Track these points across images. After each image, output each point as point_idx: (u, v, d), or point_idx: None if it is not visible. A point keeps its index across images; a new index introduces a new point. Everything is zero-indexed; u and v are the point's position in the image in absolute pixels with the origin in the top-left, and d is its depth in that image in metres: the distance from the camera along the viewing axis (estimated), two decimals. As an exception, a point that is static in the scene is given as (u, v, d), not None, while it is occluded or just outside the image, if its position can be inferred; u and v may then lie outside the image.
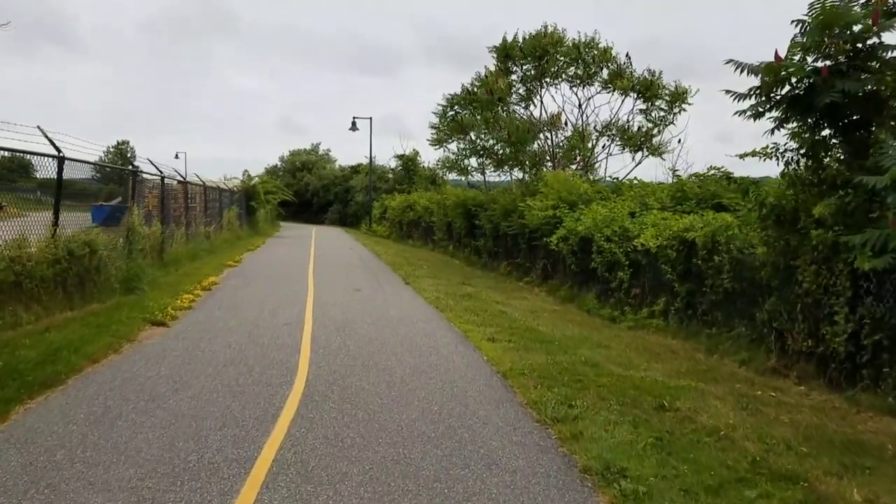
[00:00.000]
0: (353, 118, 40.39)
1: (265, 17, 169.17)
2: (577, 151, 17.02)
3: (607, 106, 18.98)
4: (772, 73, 6.81)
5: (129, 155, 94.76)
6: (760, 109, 7.07)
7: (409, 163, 42.63)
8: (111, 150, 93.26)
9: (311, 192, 57.44)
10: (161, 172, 14.40)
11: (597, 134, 17.99)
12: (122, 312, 9.29)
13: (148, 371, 6.72)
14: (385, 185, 47.04)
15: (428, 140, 21.57)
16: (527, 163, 18.85)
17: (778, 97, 7.05)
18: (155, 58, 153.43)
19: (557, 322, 10.80)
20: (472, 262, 21.12)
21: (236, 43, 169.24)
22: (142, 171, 12.27)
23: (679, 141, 17.42)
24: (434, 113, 20.81)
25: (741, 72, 6.96)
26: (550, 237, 13.90)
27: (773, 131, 7.26)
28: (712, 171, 11.86)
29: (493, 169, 21.01)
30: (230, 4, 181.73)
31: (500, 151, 19.04)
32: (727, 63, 7.04)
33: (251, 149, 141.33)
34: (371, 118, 41.08)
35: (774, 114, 7.15)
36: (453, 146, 21.78)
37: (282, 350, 7.79)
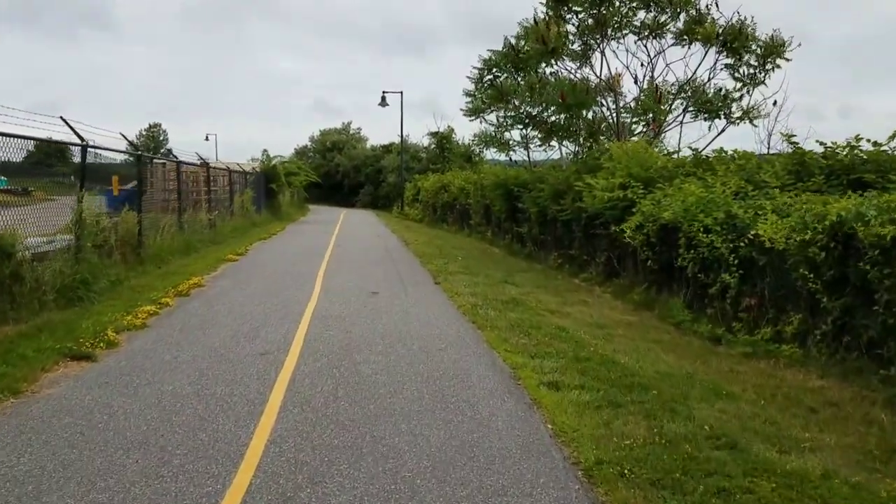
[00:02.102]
0: (383, 92, 37.57)
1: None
2: (651, 116, 13.83)
3: (681, 63, 15.51)
4: None
5: (161, 139, 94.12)
6: None
7: (443, 140, 39.75)
8: (143, 133, 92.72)
9: (341, 174, 55.06)
10: (136, 150, 11.80)
11: (672, 94, 14.63)
12: (37, 340, 6.68)
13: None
14: (418, 164, 44.26)
15: (462, 110, 18.57)
16: (583, 133, 15.73)
17: None
18: (190, 41, 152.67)
19: (640, 344, 7.85)
20: (515, 252, 18.18)
21: (271, 24, 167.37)
22: (99, 147, 9.61)
23: (774, 103, 13.99)
24: (469, 77, 17.74)
25: None
26: (620, 225, 10.89)
27: None
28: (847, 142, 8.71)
29: (538, 143, 17.92)
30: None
31: (552, 119, 15.90)
32: None
33: (285, 131, 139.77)
34: (402, 92, 38.18)
35: None
36: (492, 117, 18.74)
37: (232, 417, 5.04)
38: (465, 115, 18.41)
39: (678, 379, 6.38)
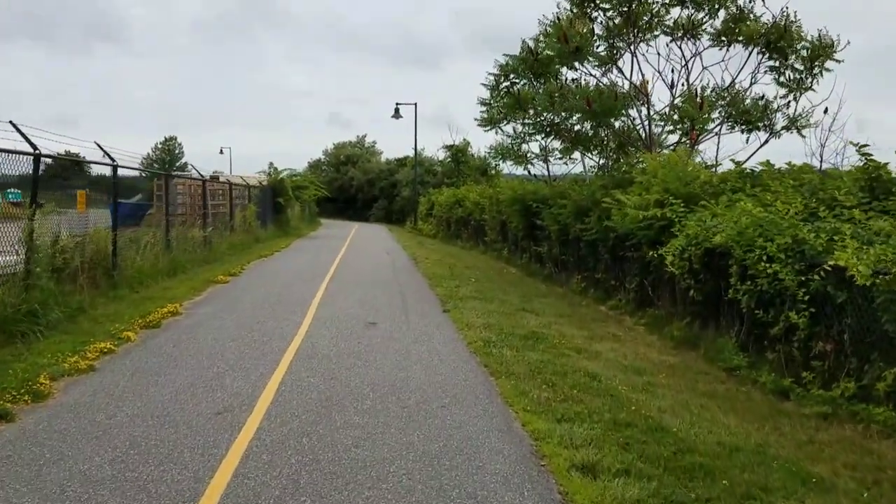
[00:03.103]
0: (396, 104, 36.48)
1: (313, 10, 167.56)
2: (690, 124, 12.37)
3: (718, 67, 14.02)
4: None
5: (177, 152, 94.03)
6: None
7: (458, 154, 38.50)
8: (159, 146, 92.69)
9: (355, 187, 54.02)
10: (112, 161, 10.58)
11: (713, 100, 13.11)
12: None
13: None
14: (433, 178, 43.06)
15: (476, 120, 17.23)
16: (610, 143, 14.30)
17: None
18: (205, 54, 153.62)
19: (690, 399, 6.40)
20: (533, 273, 16.76)
21: (284, 38, 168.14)
22: (52, 157, 8.24)
23: (825, 111, 12.46)
24: (484, 85, 16.40)
25: None
26: (656, 248, 9.46)
27: None
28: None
29: (559, 155, 16.50)
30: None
31: (576, 127, 14.48)
32: None
33: (300, 144, 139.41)
34: (416, 104, 37.12)
35: None
36: (508, 128, 17.37)
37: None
38: (479, 125, 17.11)
39: (748, 455, 4.93)
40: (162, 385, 6.10)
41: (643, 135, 13.77)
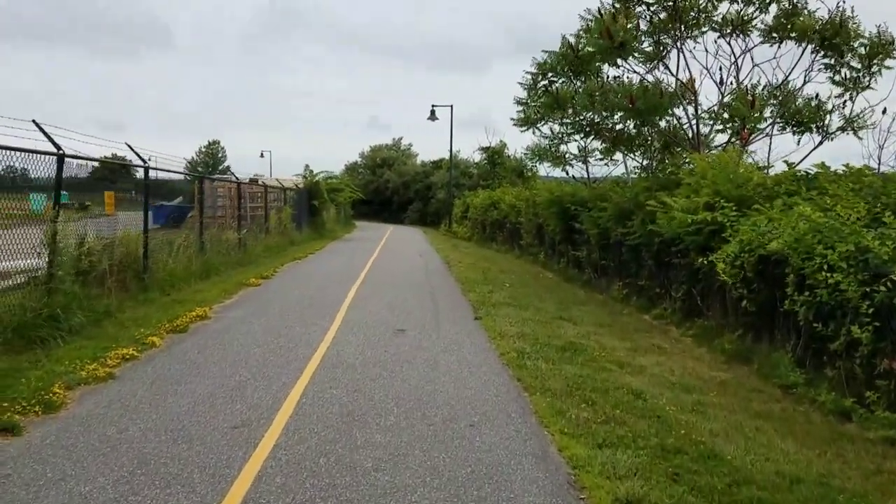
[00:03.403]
0: (432, 106, 36.18)
1: (354, 15, 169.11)
2: (741, 123, 11.66)
3: (769, 65, 13.24)
4: None
5: (220, 156, 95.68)
6: None
7: (494, 155, 38.02)
8: (202, 150, 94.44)
9: (390, 190, 53.97)
10: (144, 161, 10.46)
11: (765, 98, 12.36)
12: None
13: None
14: (468, 181, 42.69)
15: (513, 120, 16.74)
16: (654, 143, 13.68)
17: None
18: (249, 60, 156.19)
19: (744, 420, 5.87)
20: (570, 278, 16.21)
21: (324, 43, 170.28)
22: (80, 157, 8.07)
23: (884, 112, 11.63)
24: (521, 84, 15.90)
25: None
26: (705, 254, 8.89)
27: None
28: None
29: (600, 156, 15.90)
30: (324, 3, 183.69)
31: (618, 126, 13.87)
32: None
33: (339, 147, 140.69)
34: (452, 106, 36.76)
35: None
36: (546, 128, 16.85)
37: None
38: (515, 124, 16.62)
39: (810, 488, 4.41)
40: (181, 395, 5.83)
41: (690, 134, 13.09)
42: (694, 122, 12.79)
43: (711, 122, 12.78)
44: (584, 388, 6.36)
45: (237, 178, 18.06)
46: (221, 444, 4.71)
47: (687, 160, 11.61)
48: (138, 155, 10.44)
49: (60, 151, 7.52)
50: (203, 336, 8.24)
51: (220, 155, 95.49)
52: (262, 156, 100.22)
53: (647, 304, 11.73)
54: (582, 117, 14.24)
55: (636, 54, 13.01)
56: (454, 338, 8.63)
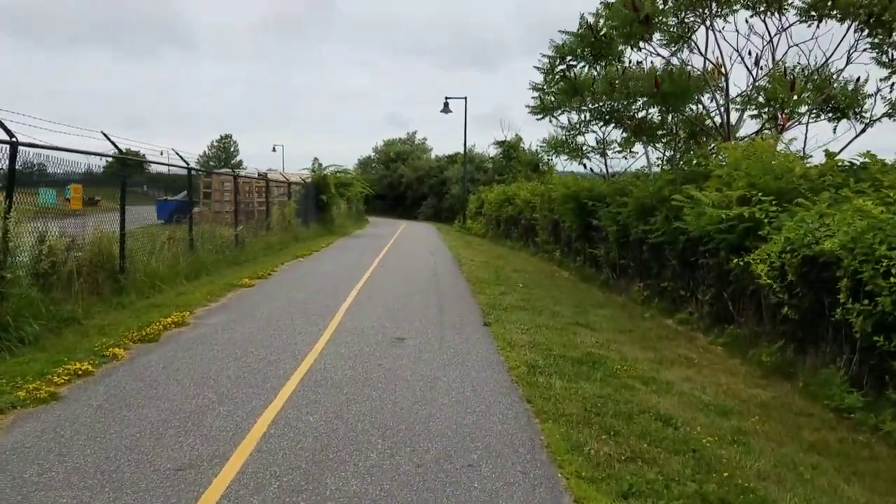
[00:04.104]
0: (446, 98, 35.20)
1: (370, 8, 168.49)
2: (778, 106, 10.56)
3: (805, 46, 12.08)
4: None
5: (231, 150, 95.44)
6: None
7: (510, 150, 36.97)
8: (214, 144, 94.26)
9: (404, 185, 53.09)
10: (121, 153, 9.61)
11: (803, 81, 11.20)
12: None
13: None
14: (483, 176, 41.72)
15: (528, 108, 15.70)
16: (680, 132, 12.61)
17: None
18: (263, 57, 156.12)
19: (794, 454, 4.91)
20: (587, 277, 15.20)
21: (341, 39, 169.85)
22: (35, 146, 7.20)
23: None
24: (538, 68, 14.84)
25: None
26: (741, 254, 7.87)
27: None
28: None
29: (619, 148, 14.84)
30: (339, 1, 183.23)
31: (641, 113, 12.80)
32: None
33: (354, 143, 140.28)
34: (466, 98, 35.75)
35: None
36: (563, 118, 15.81)
37: None
38: (531, 112, 15.58)
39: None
40: (128, 423, 4.96)
41: (719, 122, 11.99)
42: (723, 108, 11.66)
43: (742, 108, 11.64)
44: (605, 413, 5.41)
45: (232, 170, 17.25)
46: (157, 492, 3.83)
47: (715, 150, 10.55)
48: (115, 145, 9.61)
49: (13, 139, 6.69)
50: (174, 347, 7.38)
51: (232, 149, 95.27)
52: (273, 150, 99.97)
53: (670, 307, 10.72)
54: (602, 103, 13.14)
55: (661, 34, 11.92)
56: (458, 348, 7.71)
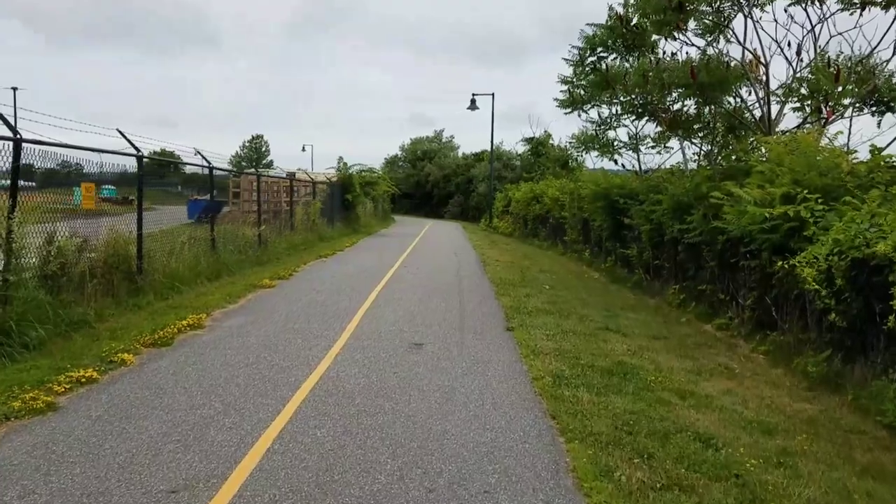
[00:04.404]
0: (473, 95, 34.73)
1: (399, 8, 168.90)
2: (822, 98, 9.89)
3: (849, 36, 11.37)
4: None
5: (263, 150, 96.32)
6: None
7: (538, 146, 36.37)
8: (246, 144, 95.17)
9: (430, 183, 52.75)
10: (137, 151, 9.42)
11: (846, 70, 10.47)
12: None
13: None
14: (511, 173, 41.19)
15: (556, 101, 15.19)
16: (717, 126, 11.98)
17: None
18: (291, 55, 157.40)
19: (847, 480, 4.44)
20: (618, 279, 14.66)
21: (368, 39, 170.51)
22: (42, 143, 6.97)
23: None
24: (567, 60, 14.33)
25: None
26: (786, 256, 7.32)
27: None
28: None
29: (652, 143, 14.24)
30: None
31: (675, 106, 12.20)
32: None
33: (382, 142, 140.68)
34: (493, 94, 35.23)
35: None
36: (594, 113, 15.25)
37: None
38: (559, 106, 15.07)
39: None
40: (126, 437, 4.67)
41: (758, 115, 11.33)
42: (763, 100, 10.98)
43: (783, 101, 10.96)
44: (638, 432, 4.96)
45: (257, 171, 17.08)
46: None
47: (757, 144, 9.93)
48: (131, 143, 9.41)
49: (17, 136, 6.48)
50: (187, 351, 7.12)
51: (263, 149, 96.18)
52: (303, 150, 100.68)
53: (708, 311, 10.15)
54: (634, 96, 12.55)
55: (696, 22, 11.30)
56: (479, 355, 7.30)
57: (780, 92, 10.92)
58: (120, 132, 9.36)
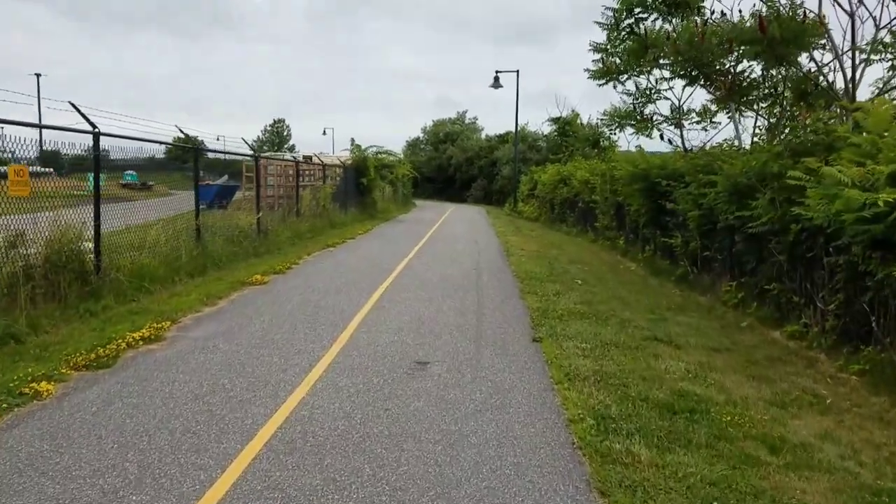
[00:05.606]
0: (496, 72, 32.89)
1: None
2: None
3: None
4: None
5: (285, 134, 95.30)
6: None
7: (565, 126, 34.39)
8: (268, 129, 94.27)
9: (453, 167, 51.05)
10: (94, 127, 7.95)
11: None
12: None
13: None
14: (537, 155, 39.30)
15: (587, 71, 13.40)
16: (786, 93, 10.15)
17: None
18: (314, 38, 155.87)
19: None
20: (659, 270, 12.94)
21: (392, 21, 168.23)
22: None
23: None
24: (599, 24, 12.51)
25: None
26: (892, 252, 5.61)
27: None
28: None
29: (698, 116, 12.39)
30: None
31: (741, 66, 10.31)
32: None
33: (405, 125, 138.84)
34: (517, 71, 33.34)
35: None
36: (630, 84, 13.46)
37: None
38: (591, 77, 13.29)
39: None
40: (-21, 528, 3.21)
41: (832, 81, 9.45)
42: (846, 55, 9.04)
43: (868, 61, 9.05)
44: (726, 523, 3.36)
45: (254, 151, 15.60)
46: None
47: (837, 112, 8.16)
48: (87, 119, 7.94)
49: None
50: (128, 376, 5.66)
51: (285, 133, 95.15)
52: (324, 133, 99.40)
53: (774, 314, 8.45)
54: (684, 57, 10.68)
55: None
56: (498, 380, 5.73)
57: (867, 47, 9.04)
58: (73, 105, 7.91)
